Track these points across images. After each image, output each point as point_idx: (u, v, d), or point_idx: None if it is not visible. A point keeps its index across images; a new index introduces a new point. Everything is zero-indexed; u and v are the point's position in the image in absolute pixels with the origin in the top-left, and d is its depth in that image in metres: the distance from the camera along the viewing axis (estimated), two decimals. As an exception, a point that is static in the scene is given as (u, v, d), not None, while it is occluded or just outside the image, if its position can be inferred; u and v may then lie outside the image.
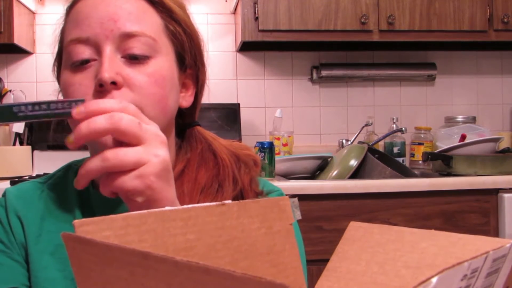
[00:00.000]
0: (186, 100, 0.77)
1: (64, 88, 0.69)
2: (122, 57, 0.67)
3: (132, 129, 0.53)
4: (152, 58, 0.68)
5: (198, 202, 0.68)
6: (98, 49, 0.67)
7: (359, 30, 2.14)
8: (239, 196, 0.74)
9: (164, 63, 0.70)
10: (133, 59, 0.67)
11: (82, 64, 0.67)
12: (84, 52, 0.67)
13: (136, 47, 0.67)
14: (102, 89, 0.64)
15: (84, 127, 0.52)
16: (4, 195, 0.77)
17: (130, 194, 0.53)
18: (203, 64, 0.79)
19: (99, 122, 0.52)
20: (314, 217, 1.75)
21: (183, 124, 0.81)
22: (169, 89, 0.70)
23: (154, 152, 0.54)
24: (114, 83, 0.64)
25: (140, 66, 0.67)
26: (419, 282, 0.25)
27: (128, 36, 0.67)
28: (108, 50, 0.66)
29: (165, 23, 0.72)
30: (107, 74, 0.64)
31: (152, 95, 0.67)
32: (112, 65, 0.65)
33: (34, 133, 2.18)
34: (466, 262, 0.27)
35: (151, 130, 0.55)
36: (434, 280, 0.24)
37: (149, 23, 0.70)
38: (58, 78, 0.73)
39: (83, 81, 0.66)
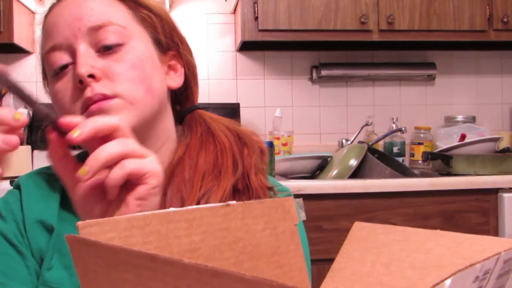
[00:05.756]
0: (175, 80, 0.77)
1: (52, 99, 0.71)
2: (96, 51, 0.68)
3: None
4: (125, 45, 0.69)
5: (200, 188, 0.68)
6: (72, 52, 0.68)
7: (359, 30, 2.14)
8: (243, 180, 0.72)
9: (138, 46, 0.70)
10: (107, 50, 0.68)
11: (62, 70, 0.68)
12: (62, 58, 0.68)
13: (107, 38, 0.68)
14: (82, 86, 0.66)
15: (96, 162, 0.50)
16: (18, 187, 0.76)
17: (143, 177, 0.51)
18: (182, 42, 0.78)
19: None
20: (313, 217, 1.75)
21: (182, 111, 0.80)
22: (150, 69, 0.70)
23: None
24: (91, 76, 0.65)
25: (114, 55, 0.68)
26: (433, 284, 0.24)
27: (96, 29, 0.68)
28: (81, 47, 0.67)
29: (133, 12, 0.72)
30: (83, 68, 0.65)
31: (131, 79, 0.67)
32: (86, 60, 0.66)
33: (34, 133, 2.17)
34: (478, 264, 0.27)
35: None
36: (447, 282, 0.24)
37: (115, 14, 0.70)
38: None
39: (66, 85, 0.68)
